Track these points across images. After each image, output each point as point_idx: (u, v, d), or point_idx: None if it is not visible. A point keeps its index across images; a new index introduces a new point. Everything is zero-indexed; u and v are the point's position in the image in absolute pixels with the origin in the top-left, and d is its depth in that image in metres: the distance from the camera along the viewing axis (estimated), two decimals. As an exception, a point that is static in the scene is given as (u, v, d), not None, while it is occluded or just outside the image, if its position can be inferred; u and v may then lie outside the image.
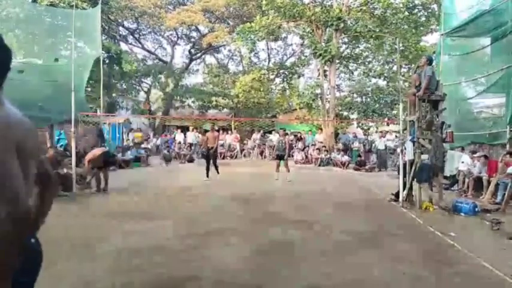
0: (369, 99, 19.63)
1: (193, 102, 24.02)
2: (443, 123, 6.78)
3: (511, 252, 4.17)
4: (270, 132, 19.24)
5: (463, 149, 9.63)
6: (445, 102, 6.90)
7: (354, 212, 6.34)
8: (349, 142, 16.10)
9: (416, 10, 16.39)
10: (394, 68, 18.80)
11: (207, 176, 9.87)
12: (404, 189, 6.79)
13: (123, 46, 22.78)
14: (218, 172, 9.99)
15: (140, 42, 24.88)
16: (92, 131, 12.94)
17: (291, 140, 15.66)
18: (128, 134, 18.15)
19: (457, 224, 5.50)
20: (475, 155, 8.96)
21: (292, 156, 15.06)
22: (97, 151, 8.30)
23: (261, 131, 19.52)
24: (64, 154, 9.44)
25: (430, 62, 6.87)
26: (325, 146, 15.61)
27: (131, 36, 24.13)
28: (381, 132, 15.50)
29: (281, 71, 20.82)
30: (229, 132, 19.99)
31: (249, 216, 5.83)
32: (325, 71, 17.58)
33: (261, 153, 17.46)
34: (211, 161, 10.02)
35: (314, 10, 16.38)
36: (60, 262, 3.55)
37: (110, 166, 8.60)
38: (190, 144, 16.99)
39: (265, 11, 16.96)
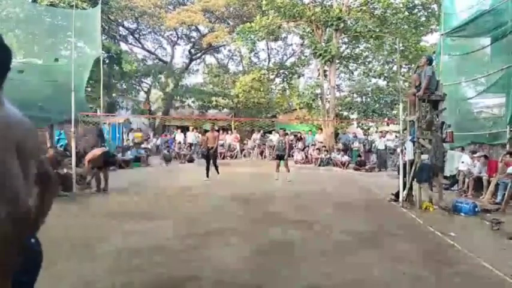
0: (369, 99, 19.63)
1: (193, 102, 24.02)
2: (443, 123, 6.78)
3: (511, 252, 4.17)
4: (270, 132, 19.24)
5: (463, 149, 9.63)
6: (445, 102, 6.90)
7: (354, 212, 6.34)
8: (349, 142, 16.10)
9: (416, 10, 16.39)
10: (394, 68, 18.80)
11: (207, 176, 9.87)
12: (404, 189, 6.79)
13: (123, 46, 22.82)
14: (218, 172, 10.00)
15: (140, 42, 24.89)
16: (92, 131, 12.94)
17: (291, 140, 15.66)
18: (128, 134, 18.15)
19: (457, 224, 5.50)
20: (475, 155, 8.96)
21: (292, 156, 15.06)
22: (97, 151, 8.30)
23: (261, 131, 19.52)
24: (64, 154, 9.44)
25: (430, 62, 6.87)
26: (325, 146, 15.61)
27: (131, 36, 24.13)
28: (380, 132, 15.50)
29: (281, 71, 20.82)
30: (229, 132, 19.99)
31: (249, 216, 5.83)
32: (325, 71, 17.58)
33: (261, 153, 17.45)
34: (211, 161, 10.02)
35: (314, 10, 16.38)
36: (60, 262, 3.55)
37: (110, 166, 8.60)
38: (190, 144, 16.99)
39: (265, 11, 16.96)
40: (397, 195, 7.02)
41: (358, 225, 5.24)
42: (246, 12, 21.32)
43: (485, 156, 8.58)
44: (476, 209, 6.11)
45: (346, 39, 19.06)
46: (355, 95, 20.92)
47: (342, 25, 16.11)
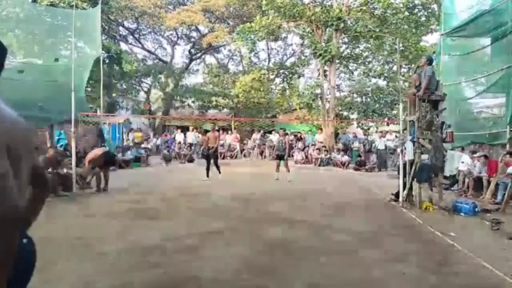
0: (369, 99, 19.63)
1: (193, 102, 24.02)
2: (443, 123, 6.78)
3: (511, 252, 4.17)
4: (270, 132, 19.24)
5: (463, 149, 9.63)
6: (445, 102, 6.90)
7: (354, 212, 6.34)
8: (349, 142, 16.10)
9: (416, 10, 16.39)
10: (394, 68, 18.80)
11: (207, 176, 9.88)
12: (404, 189, 6.78)
13: (123, 46, 22.82)
14: (220, 172, 9.99)
15: (140, 42, 24.90)
16: (92, 131, 12.95)
17: (291, 140, 15.66)
18: (128, 134, 18.16)
19: (457, 224, 5.50)
20: (475, 155, 8.96)
21: (292, 156, 15.06)
22: (98, 151, 8.31)
23: (261, 131, 19.52)
24: (64, 154, 9.43)
25: (430, 62, 6.87)
26: (325, 146, 15.61)
27: (131, 36, 24.14)
28: (381, 132, 15.50)
29: (281, 71, 20.82)
30: (229, 132, 20.00)
31: (249, 216, 5.83)
32: (325, 71, 17.58)
33: (261, 153, 17.46)
34: (211, 161, 10.03)
35: (314, 10, 16.38)
36: (60, 262, 3.55)
37: (110, 166, 8.60)
38: (190, 144, 16.99)
39: (265, 11, 16.96)
40: (397, 195, 7.02)
41: (358, 225, 5.24)
42: (246, 12, 21.32)
43: (485, 156, 8.58)
44: (476, 209, 6.11)
45: (346, 39, 19.06)
46: (355, 95, 20.92)
47: (342, 25, 16.11)
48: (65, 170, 7.86)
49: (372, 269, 3.56)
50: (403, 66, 17.93)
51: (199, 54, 25.69)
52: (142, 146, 15.84)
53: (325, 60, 16.13)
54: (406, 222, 5.61)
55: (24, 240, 1.29)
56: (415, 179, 6.61)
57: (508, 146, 7.92)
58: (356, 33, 16.74)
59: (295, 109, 20.63)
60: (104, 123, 15.42)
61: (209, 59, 27.30)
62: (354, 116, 19.76)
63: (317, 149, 15.46)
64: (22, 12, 11.64)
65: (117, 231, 4.78)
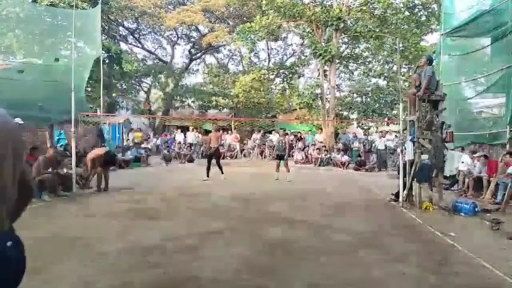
0: (369, 99, 19.64)
1: (193, 102, 24.03)
2: (443, 123, 6.78)
3: (511, 252, 4.17)
4: (270, 132, 19.25)
5: (463, 149, 9.63)
6: (445, 102, 6.89)
7: (354, 212, 6.34)
8: (349, 142, 16.10)
9: (416, 10, 16.39)
10: (394, 68, 18.80)
11: (207, 176, 9.87)
12: (404, 189, 6.78)
13: (123, 46, 22.81)
14: (222, 172, 9.96)
15: (140, 42, 24.90)
16: (92, 131, 12.96)
17: (291, 140, 15.66)
18: (128, 134, 18.17)
19: (457, 224, 5.49)
20: (475, 155, 8.96)
21: (292, 156, 15.06)
22: (99, 151, 8.31)
23: (261, 131, 19.52)
24: (64, 154, 9.43)
25: (430, 62, 6.86)
26: (325, 146, 15.61)
27: (131, 36, 24.15)
28: (381, 132, 15.49)
29: (281, 71, 20.83)
30: (229, 132, 20.00)
31: (249, 216, 5.83)
32: (325, 71, 17.58)
33: (261, 153, 17.46)
34: (212, 161, 10.03)
35: (314, 10, 16.39)
36: (60, 262, 3.56)
37: (110, 166, 8.60)
38: (190, 144, 16.99)
39: (265, 11, 16.96)
40: (397, 195, 7.02)
41: (358, 225, 5.24)
42: (246, 12, 21.32)
43: (485, 156, 8.58)
44: (476, 209, 6.11)
45: (346, 39, 19.07)
46: (355, 95, 20.93)
47: (342, 25, 16.12)
48: (65, 170, 7.86)
49: (372, 269, 3.56)
50: (403, 66, 17.93)
51: (199, 54, 25.70)
52: (142, 146, 15.84)
53: (325, 60, 16.13)
54: (406, 222, 5.61)
55: (9, 243, 1.21)
56: (415, 179, 6.61)
57: (508, 146, 7.92)
58: (356, 33, 16.75)
59: (295, 109, 20.63)
60: (104, 123, 15.43)
61: (209, 59, 27.37)
62: (354, 116, 19.77)
63: (317, 149, 15.46)
64: (22, 12, 11.63)
65: (117, 231, 4.78)
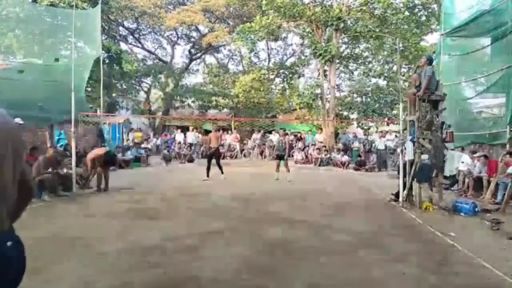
0: (369, 99, 19.64)
1: (193, 102, 24.03)
2: (443, 123, 6.78)
3: (511, 252, 4.17)
4: (270, 132, 19.24)
5: (463, 149, 9.63)
6: (445, 102, 6.89)
7: (354, 212, 6.34)
8: (349, 142, 16.10)
9: (416, 10, 16.40)
10: (394, 68, 18.80)
11: (207, 176, 9.87)
12: (404, 189, 6.78)
13: (123, 46, 22.81)
14: (222, 172, 9.97)
15: (140, 42, 24.90)
16: (92, 131, 12.96)
17: (291, 140, 15.66)
18: (128, 134, 18.17)
19: (457, 224, 5.49)
20: (475, 155, 8.96)
21: (292, 156, 15.06)
22: (100, 151, 8.31)
23: (261, 131, 19.52)
24: (64, 154, 9.43)
25: (430, 62, 6.86)
26: (325, 146, 15.61)
27: (131, 36, 24.14)
28: (381, 132, 15.49)
29: (281, 71, 20.83)
30: (229, 132, 20.00)
31: (249, 216, 5.83)
32: (325, 71, 17.58)
33: (261, 153, 17.46)
34: (212, 161, 10.03)
35: (314, 10, 16.39)
36: (60, 262, 3.56)
37: (110, 166, 8.60)
38: (190, 144, 16.99)
39: (265, 11, 16.96)
40: (397, 195, 7.02)
41: (358, 225, 5.24)
42: (246, 12, 21.32)
43: (485, 156, 8.58)
44: (476, 209, 6.11)
45: (346, 39, 19.07)
46: (355, 95, 20.94)
47: (342, 25, 16.12)
48: (65, 170, 7.86)
49: (372, 269, 3.56)
50: (403, 66, 17.94)
51: (199, 54, 25.70)
52: (142, 146, 15.83)
53: (325, 60, 16.13)
54: (406, 222, 5.61)
55: (9, 243, 1.21)
56: (415, 179, 6.61)
57: (508, 146, 7.92)
58: (356, 33, 16.75)
59: (295, 109, 20.63)
60: (104, 123, 15.43)
61: (209, 59, 27.37)
62: (354, 116, 19.77)
63: (317, 149, 15.46)
64: (22, 12, 11.64)
65: (117, 231, 4.78)
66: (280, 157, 10.39)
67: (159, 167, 13.81)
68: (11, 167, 1.19)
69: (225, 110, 24.76)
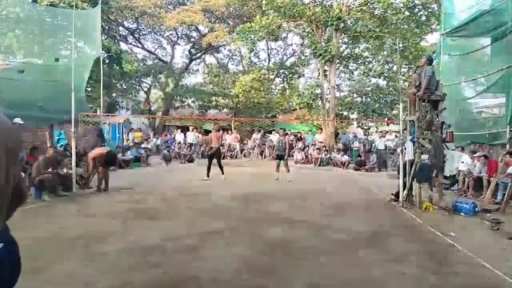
0: (369, 99, 19.64)
1: (193, 102, 24.03)
2: (443, 123, 6.78)
3: (511, 252, 4.17)
4: (270, 132, 19.24)
5: (463, 149, 9.63)
6: (445, 102, 6.90)
7: (354, 212, 6.34)
8: (349, 142, 16.10)
9: (416, 10, 16.39)
10: (394, 68, 18.80)
11: (207, 176, 9.87)
12: (404, 189, 6.78)
13: (123, 46, 22.80)
14: (223, 172, 9.96)
15: (140, 42, 24.90)
16: (92, 131, 12.95)
17: (291, 140, 15.65)
18: (128, 134, 18.17)
19: (457, 224, 5.49)
20: (475, 155, 8.96)
21: (292, 156, 15.06)
22: (100, 150, 8.31)
23: (261, 131, 19.52)
24: (64, 154, 9.43)
25: (430, 61, 6.86)
26: (325, 146, 15.61)
27: (131, 36, 24.14)
28: (381, 132, 15.49)
29: (281, 71, 20.83)
30: (229, 132, 20.00)
31: (249, 216, 5.83)
32: (325, 71, 17.58)
33: (261, 153, 17.45)
34: (213, 161, 10.02)
35: (314, 10, 16.39)
36: (60, 262, 3.56)
37: (110, 166, 8.61)
38: (190, 144, 16.98)
39: (265, 11, 16.96)
40: (397, 195, 7.02)
41: (358, 225, 5.24)
42: (246, 12, 21.32)
43: (485, 156, 8.58)
44: (476, 209, 6.11)
45: (346, 39, 19.07)
46: (355, 95, 20.93)
47: (342, 25, 16.12)
48: (65, 170, 7.86)
49: (372, 269, 3.56)
50: (403, 66, 17.93)
51: (199, 54, 25.70)
52: (142, 146, 15.83)
53: (325, 60, 16.13)
54: (406, 222, 5.61)
55: (0, 245, 1.20)
56: (415, 179, 6.61)
57: (508, 146, 7.92)
58: (356, 33, 16.75)
59: (295, 109, 20.63)
60: (104, 123, 15.43)
61: (209, 59, 27.36)
62: (354, 116, 19.77)
63: (317, 149, 15.46)
64: (22, 12, 11.65)
65: (117, 231, 4.78)
66: (280, 157, 10.39)
67: (159, 167, 13.81)
68: (3, 168, 1.18)
69: (225, 110, 24.75)
